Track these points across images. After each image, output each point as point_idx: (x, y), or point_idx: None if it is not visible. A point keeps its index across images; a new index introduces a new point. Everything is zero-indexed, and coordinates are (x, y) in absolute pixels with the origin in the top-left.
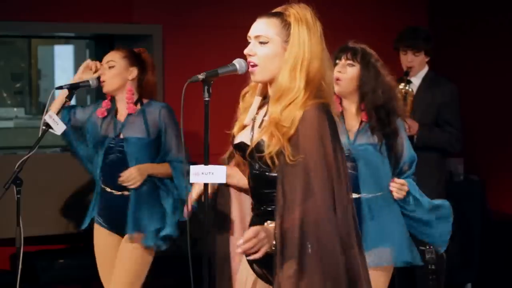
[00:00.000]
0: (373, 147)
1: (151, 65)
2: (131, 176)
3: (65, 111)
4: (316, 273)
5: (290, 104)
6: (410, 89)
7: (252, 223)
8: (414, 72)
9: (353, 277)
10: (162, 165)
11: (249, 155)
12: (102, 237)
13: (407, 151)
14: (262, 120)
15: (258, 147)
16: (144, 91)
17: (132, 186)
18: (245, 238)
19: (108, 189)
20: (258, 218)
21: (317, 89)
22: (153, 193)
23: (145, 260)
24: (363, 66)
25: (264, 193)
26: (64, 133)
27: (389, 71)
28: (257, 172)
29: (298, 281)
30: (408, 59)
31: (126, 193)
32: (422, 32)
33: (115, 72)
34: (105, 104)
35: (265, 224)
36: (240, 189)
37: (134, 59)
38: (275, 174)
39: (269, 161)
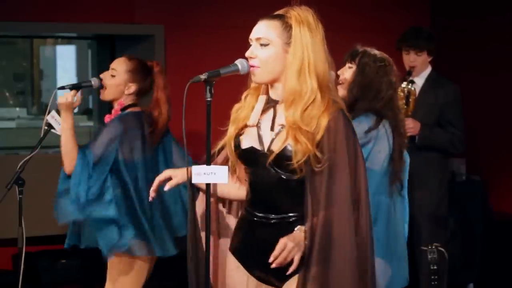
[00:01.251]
0: None
1: (161, 83)
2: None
3: None
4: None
5: (308, 107)
6: (412, 88)
7: (255, 229)
8: (416, 72)
9: (365, 279)
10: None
11: (274, 162)
12: None
13: None
14: (273, 123)
15: (285, 153)
16: (151, 108)
17: None
18: (274, 255)
19: None
20: (262, 224)
21: (329, 92)
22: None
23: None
24: (358, 67)
25: (274, 198)
26: None
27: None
28: (272, 177)
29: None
30: (410, 59)
31: None
32: (424, 32)
33: (113, 82)
34: (114, 111)
35: (294, 231)
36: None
37: (139, 75)
38: (294, 180)
39: (297, 169)
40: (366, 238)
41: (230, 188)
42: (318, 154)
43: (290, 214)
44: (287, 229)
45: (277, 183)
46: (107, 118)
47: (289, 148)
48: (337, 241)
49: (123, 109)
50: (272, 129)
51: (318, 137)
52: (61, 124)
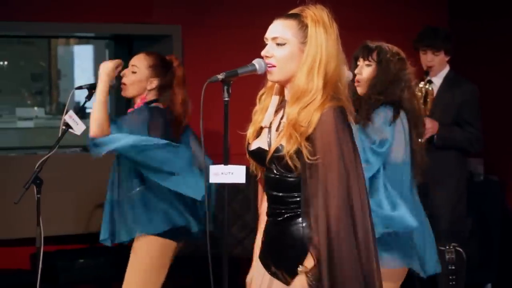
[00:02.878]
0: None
1: (180, 78)
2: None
3: None
4: (336, 279)
5: (308, 105)
6: (430, 88)
7: (268, 226)
8: (434, 72)
9: (369, 280)
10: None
11: (269, 161)
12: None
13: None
14: (279, 123)
15: (277, 151)
16: (164, 99)
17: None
18: None
19: None
20: (273, 222)
21: (334, 91)
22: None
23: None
24: (378, 63)
25: (279, 196)
26: None
27: (411, 64)
28: (275, 176)
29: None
30: (427, 58)
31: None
32: (441, 32)
33: (135, 79)
34: (136, 105)
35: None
36: None
37: (160, 70)
38: (294, 179)
39: (289, 162)
40: (364, 239)
41: None
42: (308, 146)
43: (294, 212)
44: (290, 226)
45: (279, 181)
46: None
47: (282, 146)
48: (336, 243)
49: (147, 103)
50: (277, 128)
51: (310, 131)
52: (96, 93)
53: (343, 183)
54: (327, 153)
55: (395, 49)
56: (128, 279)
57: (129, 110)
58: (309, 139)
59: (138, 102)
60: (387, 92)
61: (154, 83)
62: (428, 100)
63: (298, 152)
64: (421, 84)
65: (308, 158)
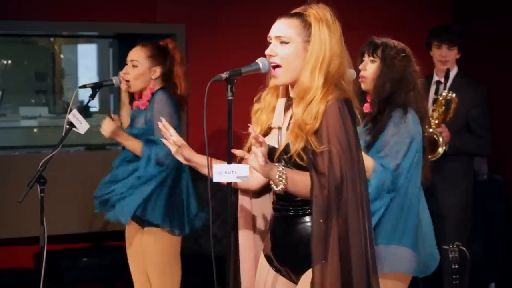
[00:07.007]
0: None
1: (178, 58)
2: (104, 126)
3: None
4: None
5: (310, 103)
6: (453, 96)
7: (275, 222)
8: (444, 71)
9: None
10: (137, 141)
11: (277, 159)
12: (130, 230)
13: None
14: (289, 124)
15: (286, 149)
16: (170, 85)
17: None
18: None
19: None
20: (280, 218)
21: (335, 85)
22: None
23: (171, 248)
24: (382, 60)
25: (287, 193)
26: None
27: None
28: None
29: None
30: (442, 53)
31: None
32: (456, 28)
33: (138, 72)
34: (145, 96)
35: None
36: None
37: (159, 58)
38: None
39: (297, 159)
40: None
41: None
42: (314, 140)
43: (303, 208)
44: (297, 224)
45: None
46: (140, 105)
47: (290, 142)
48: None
49: (153, 93)
50: (288, 128)
51: (316, 126)
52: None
53: (349, 165)
54: (333, 143)
55: (401, 45)
56: (152, 265)
57: (136, 104)
58: (316, 132)
59: (147, 93)
60: (396, 92)
61: (158, 71)
62: (451, 108)
63: (305, 148)
64: (444, 93)
65: (316, 148)
